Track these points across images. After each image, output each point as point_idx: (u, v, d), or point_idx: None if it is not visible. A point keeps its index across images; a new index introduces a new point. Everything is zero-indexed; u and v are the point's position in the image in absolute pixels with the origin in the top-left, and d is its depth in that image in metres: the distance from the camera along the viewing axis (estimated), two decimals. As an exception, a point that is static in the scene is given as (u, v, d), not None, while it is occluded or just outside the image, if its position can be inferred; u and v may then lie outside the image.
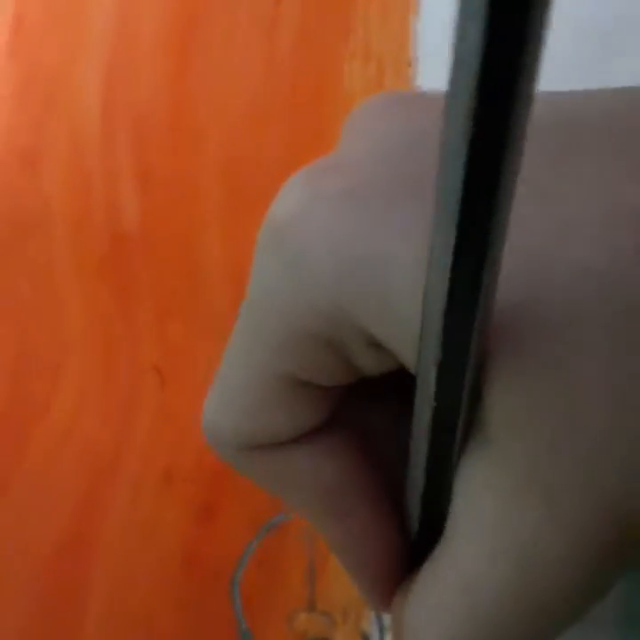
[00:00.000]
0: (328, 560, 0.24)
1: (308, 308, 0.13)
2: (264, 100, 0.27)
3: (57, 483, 0.26)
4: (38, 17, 0.28)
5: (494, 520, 0.13)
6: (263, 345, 0.14)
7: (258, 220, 0.27)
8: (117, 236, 0.27)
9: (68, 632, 0.25)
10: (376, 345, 0.13)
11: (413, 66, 0.27)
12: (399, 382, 0.14)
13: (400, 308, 0.13)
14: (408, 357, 0.13)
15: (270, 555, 0.25)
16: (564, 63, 0.25)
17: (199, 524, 0.26)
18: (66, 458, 0.27)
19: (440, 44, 0.27)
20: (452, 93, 0.09)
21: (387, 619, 0.24)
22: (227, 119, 0.27)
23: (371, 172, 0.13)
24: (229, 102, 0.27)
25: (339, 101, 0.26)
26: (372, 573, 0.16)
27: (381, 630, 0.24)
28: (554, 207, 0.13)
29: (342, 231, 0.13)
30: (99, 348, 0.27)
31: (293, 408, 0.15)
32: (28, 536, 0.26)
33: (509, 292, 0.12)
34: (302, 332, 0.14)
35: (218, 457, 0.16)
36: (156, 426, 0.27)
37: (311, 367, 0.14)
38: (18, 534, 0.26)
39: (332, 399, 0.15)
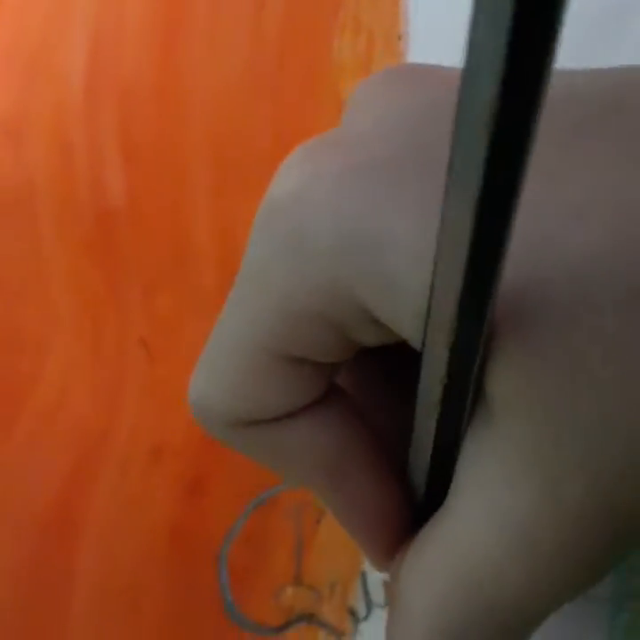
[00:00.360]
0: (315, 535, 0.24)
1: (305, 285, 0.13)
2: (252, 74, 0.27)
3: (44, 459, 0.26)
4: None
5: (496, 494, 0.13)
6: (257, 322, 0.14)
7: (246, 195, 0.27)
8: (103, 210, 0.27)
9: (57, 606, 0.25)
10: (375, 321, 0.13)
11: (404, 40, 0.26)
12: (396, 350, 0.14)
13: (401, 283, 0.12)
14: (408, 332, 0.13)
15: (258, 530, 0.25)
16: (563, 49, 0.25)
17: (187, 499, 0.26)
18: (53, 434, 0.27)
19: (431, 18, 0.27)
20: (472, 66, 0.09)
21: (374, 593, 0.24)
22: (214, 94, 0.27)
23: (373, 148, 0.13)
24: (217, 76, 0.27)
25: (328, 75, 0.26)
26: (373, 538, 0.16)
27: (368, 605, 0.24)
28: (564, 190, 0.12)
29: (343, 206, 0.13)
30: (86, 323, 0.27)
31: (289, 385, 0.15)
32: (15, 512, 0.26)
33: (519, 273, 0.12)
34: (299, 309, 0.13)
35: (206, 433, 0.15)
36: (144, 401, 0.27)
37: (308, 344, 0.14)
38: (5, 510, 0.26)
39: (328, 374, 0.15)
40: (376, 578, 0.23)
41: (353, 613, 0.24)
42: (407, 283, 0.12)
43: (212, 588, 0.25)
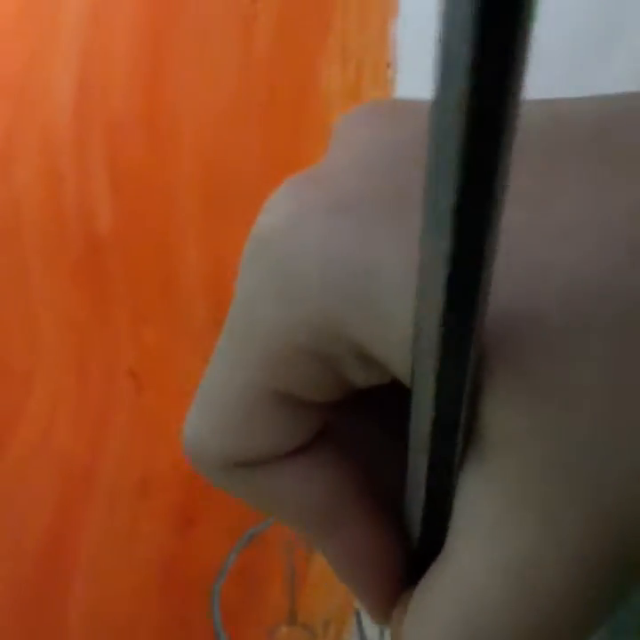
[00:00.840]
0: (308, 571, 0.24)
1: (293, 321, 0.13)
2: (241, 103, 0.26)
3: (32, 492, 0.26)
4: (10, 18, 0.28)
5: (492, 535, 0.13)
6: (248, 359, 0.14)
7: (234, 224, 0.26)
8: (91, 240, 0.27)
9: None
10: (366, 357, 0.13)
11: (392, 68, 0.26)
12: (390, 391, 0.14)
13: (389, 315, 0.12)
14: (399, 367, 0.13)
15: (250, 566, 0.24)
16: (556, 69, 0.25)
17: (177, 534, 0.25)
18: (40, 467, 0.26)
19: (419, 47, 0.27)
20: (439, 96, 0.09)
21: (368, 630, 0.23)
22: (203, 122, 0.27)
23: (357, 184, 0.13)
24: (205, 105, 0.27)
25: (317, 104, 0.26)
26: (368, 587, 0.16)
27: (363, 643, 0.23)
28: (546, 214, 0.12)
29: (329, 243, 0.13)
30: (72, 354, 0.26)
31: (281, 425, 0.14)
32: (3, 549, 0.25)
33: (506, 302, 0.12)
34: (290, 346, 0.13)
35: (199, 474, 0.15)
36: (131, 433, 0.26)
37: (299, 382, 0.14)
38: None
39: (320, 415, 0.15)
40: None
41: (348, 652, 0.23)
42: (395, 313, 0.12)
43: (206, 625, 0.24)
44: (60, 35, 0.27)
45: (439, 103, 0.09)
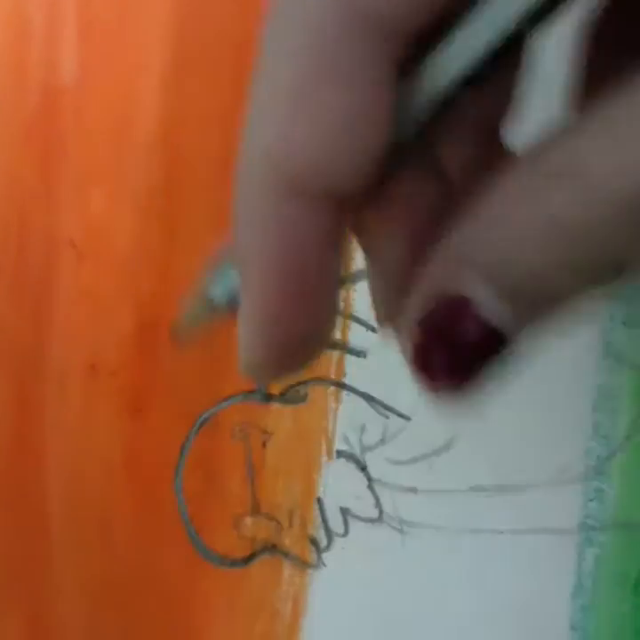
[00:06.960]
0: (265, 458, 0.23)
1: None
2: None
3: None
4: None
5: None
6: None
7: (202, 87, 0.23)
8: (50, 90, 0.24)
9: (35, 545, 0.24)
10: None
11: None
12: None
13: None
14: None
15: (207, 454, 0.23)
16: None
17: (132, 419, 0.24)
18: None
19: None
20: None
21: (332, 522, 0.22)
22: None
23: None
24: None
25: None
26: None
27: (328, 535, 0.22)
28: None
29: None
30: (13, 215, 0.24)
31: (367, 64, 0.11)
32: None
33: None
34: None
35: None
36: (74, 309, 0.24)
37: None
38: None
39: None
40: (332, 505, 0.22)
41: (315, 543, 0.22)
42: None
43: (174, 515, 0.23)
44: None
45: None
